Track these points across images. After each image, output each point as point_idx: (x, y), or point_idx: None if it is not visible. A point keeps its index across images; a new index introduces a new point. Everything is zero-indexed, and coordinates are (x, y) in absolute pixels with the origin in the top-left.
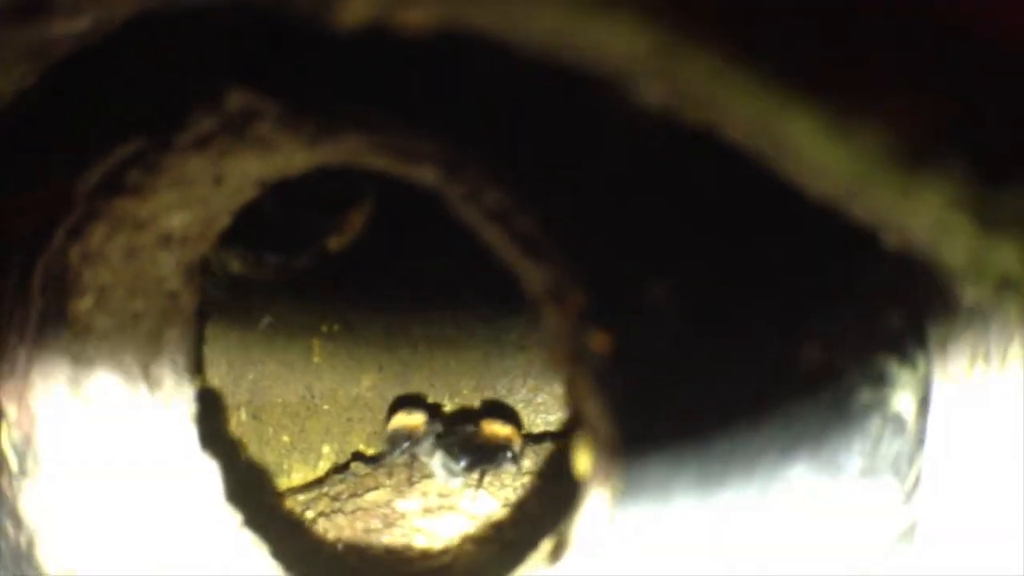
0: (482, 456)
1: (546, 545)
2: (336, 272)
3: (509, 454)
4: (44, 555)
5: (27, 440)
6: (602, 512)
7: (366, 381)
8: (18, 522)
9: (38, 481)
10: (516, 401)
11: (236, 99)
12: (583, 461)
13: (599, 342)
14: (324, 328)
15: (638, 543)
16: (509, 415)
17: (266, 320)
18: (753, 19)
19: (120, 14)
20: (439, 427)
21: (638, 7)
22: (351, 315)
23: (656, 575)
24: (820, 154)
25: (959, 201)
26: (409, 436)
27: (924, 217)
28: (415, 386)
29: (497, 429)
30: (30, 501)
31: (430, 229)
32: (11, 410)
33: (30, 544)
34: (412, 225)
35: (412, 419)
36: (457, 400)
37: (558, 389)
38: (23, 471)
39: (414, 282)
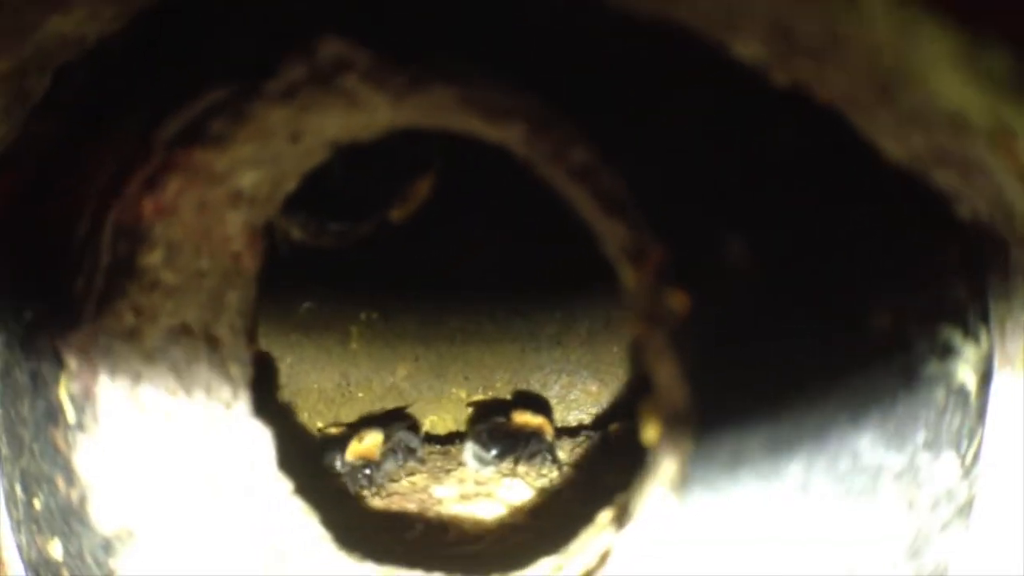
0: (513, 445)
1: (604, 517)
2: (377, 260)
3: (541, 443)
4: (97, 512)
5: (87, 393)
6: (670, 480)
7: (401, 371)
8: (71, 477)
9: (95, 436)
10: (550, 396)
11: (328, 47)
12: (651, 428)
13: (677, 301)
14: (363, 316)
15: (706, 511)
16: (541, 406)
17: (306, 305)
18: None
19: None
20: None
21: None
22: (390, 304)
23: (723, 545)
24: (945, 80)
25: None
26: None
27: (1015, 167)
28: (450, 377)
29: (528, 419)
30: (86, 456)
31: (474, 223)
32: (72, 362)
33: (83, 500)
34: (456, 218)
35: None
36: (491, 393)
37: (592, 385)
38: (80, 425)
39: (453, 274)
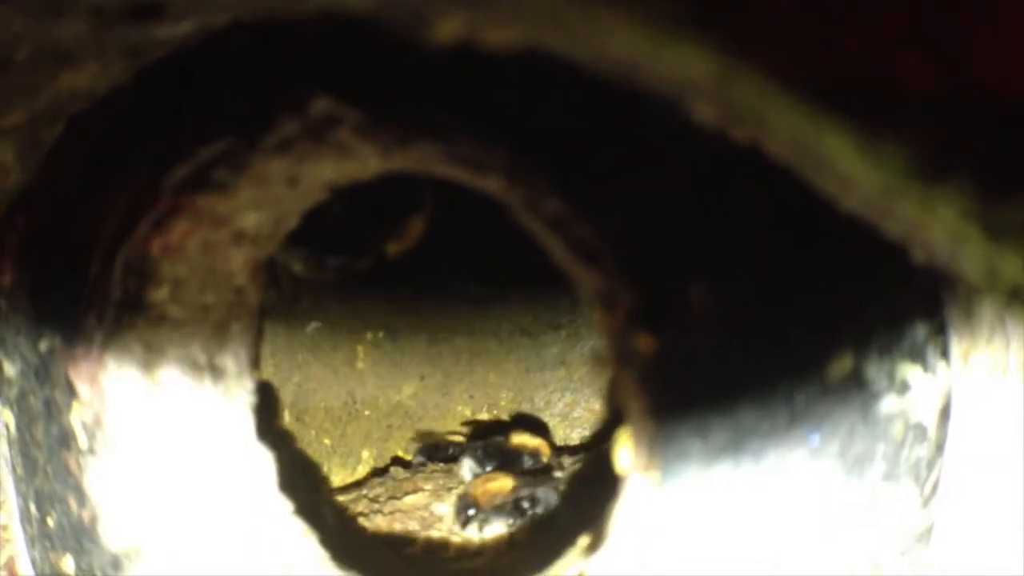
0: (507, 461)
1: (583, 541)
2: (384, 281)
3: (533, 461)
4: (106, 531)
5: (97, 420)
6: (639, 506)
7: (407, 389)
8: (82, 498)
9: (105, 459)
10: (553, 415)
11: (320, 106)
12: (622, 457)
13: (644, 343)
14: (369, 335)
15: (673, 535)
16: (539, 427)
17: (314, 324)
18: (796, 50)
19: (218, 21)
20: None
21: (702, 39)
22: (397, 324)
23: (689, 565)
24: (851, 168)
25: (969, 214)
26: None
27: (941, 229)
28: (455, 396)
29: (526, 440)
30: (96, 478)
31: (479, 246)
32: (84, 390)
33: (93, 519)
34: (462, 240)
35: None
36: (495, 411)
37: (595, 404)
38: (91, 449)
39: (459, 295)
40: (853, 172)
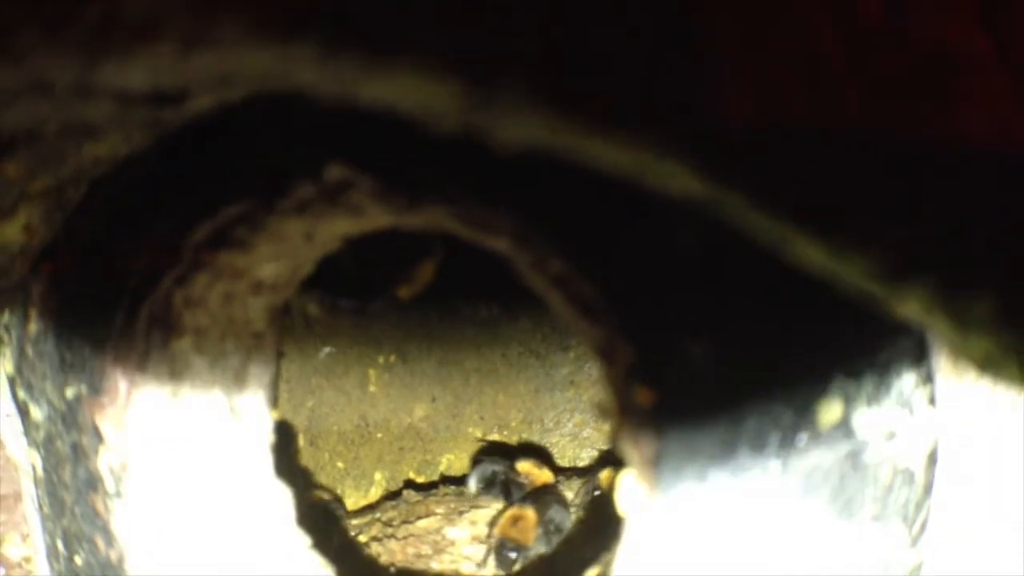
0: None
1: (591, 573)
2: (395, 306)
3: (548, 493)
4: (133, 569)
5: (124, 464)
6: (641, 546)
7: (419, 411)
8: (110, 539)
9: (131, 501)
10: (563, 435)
11: (334, 172)
12: (624, 501)
13: (643, 396)
14: (381, 359)
15: (674, 573)
16: (545, 457)
17: (326, 350)
18: (773, 182)
19: (237, 94)
20: None
21: (689, 169)
22: (407, 347)
23: None
24: (823, 267)
25: (935, 307)
26: None
27: (911, 314)
28: (466, 417)
29: (531, 468)
30: (122, 519)
31: (488, 268)
32: (110, 435)
33: (120, 559)
34: (470, 263)
35: None
36: (505, 432)
37: (604, 425)
38: (118, 492)
39: (469, 317)
40: (825, 269)
